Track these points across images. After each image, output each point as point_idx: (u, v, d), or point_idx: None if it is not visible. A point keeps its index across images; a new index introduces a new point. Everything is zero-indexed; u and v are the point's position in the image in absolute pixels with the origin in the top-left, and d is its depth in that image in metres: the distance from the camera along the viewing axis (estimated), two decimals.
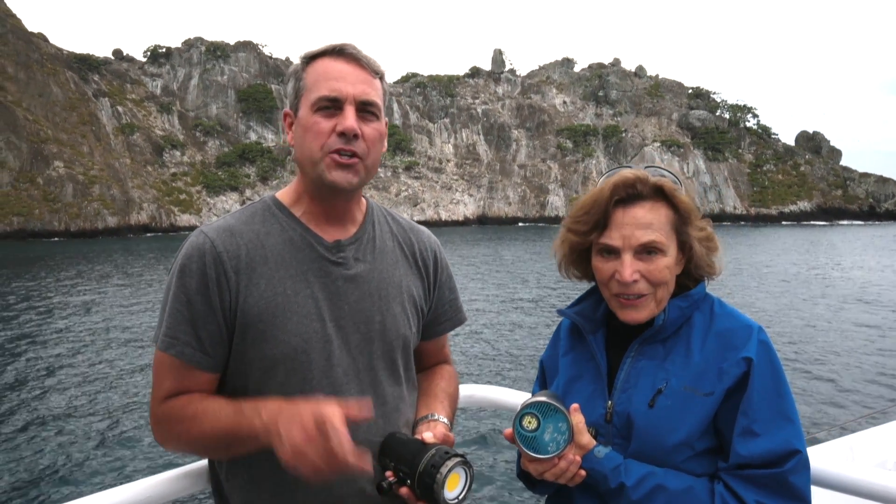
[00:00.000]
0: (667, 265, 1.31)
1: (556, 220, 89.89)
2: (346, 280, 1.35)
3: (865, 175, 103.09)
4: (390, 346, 1.39)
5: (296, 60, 1.38)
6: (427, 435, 1.31)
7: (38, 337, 16.15)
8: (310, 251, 1.34)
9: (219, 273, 1.26)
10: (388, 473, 1.29)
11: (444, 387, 1.55)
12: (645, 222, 1.31)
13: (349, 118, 1.29)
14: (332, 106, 1.29)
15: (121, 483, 1.38)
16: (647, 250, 1.31)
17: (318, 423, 1.11)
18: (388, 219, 1.50)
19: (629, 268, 1.30)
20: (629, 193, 1.32)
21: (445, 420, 1.45)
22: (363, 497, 1.33)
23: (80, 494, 1.33)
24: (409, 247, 1.49)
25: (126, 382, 12.02)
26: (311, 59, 1.34)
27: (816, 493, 1.26)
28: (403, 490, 1.25)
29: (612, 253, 1.32)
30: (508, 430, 1.29)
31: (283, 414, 1.16)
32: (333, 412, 1.12)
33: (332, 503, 1.31)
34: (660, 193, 1.33)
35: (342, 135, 1.29)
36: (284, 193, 1.42)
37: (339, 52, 1.32)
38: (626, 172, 1.34)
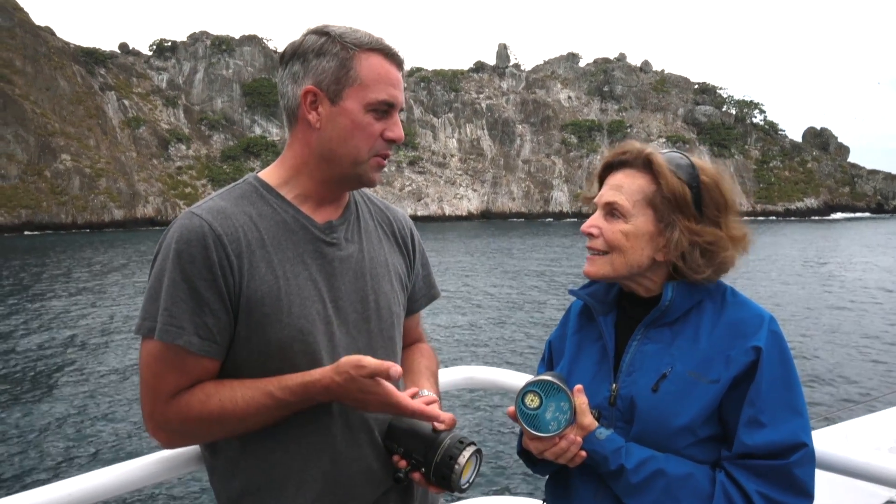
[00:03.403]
0: (622, 230, 1.32)
1: (561, 215, 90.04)
2: (340, 261, 1.34)
3: (874, 172, 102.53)
4: (386, 323, 1.40)
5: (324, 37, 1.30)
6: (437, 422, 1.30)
7: (46, 322, 16.38)
8: (304, 233, 1.32)
9: (220, 256, 1.21)
10: (396, 458, 1.30)
11: (427, 364, 1.56)
12: (616, 184, 1.35)
13: (400, 128, 1.33)
14: (385, 110, 1.29)
15: (110, 464, 1.36)
16: (610, 211, 1.35)
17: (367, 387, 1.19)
18: (365, 199, 1.51)
19: (589, 220, 1.37)
20: (619, 160, 1.38)
21: (436, 397, 1.44)
22: (370, 475, 1.33)
23: (71, 475, 1.32)
24: (387, 225, 1.51)
25: (122, 367, 12.21)
26: (361, 48, 1.28)
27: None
28: (416, 476, 1.27)
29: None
30: (511, 408, 1.30)
31: (339, 388, 1.19)
32: (366, 367, 1.17)
33: (342, 481, 1.30)
34: (647, 166, 1.34)
35: (391, 141, 1.31)
36: (270, 174, 1.37)
37: (393, 55, 1.31)
38: (628, 142, 1.40)
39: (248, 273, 1.23)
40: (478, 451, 1.26)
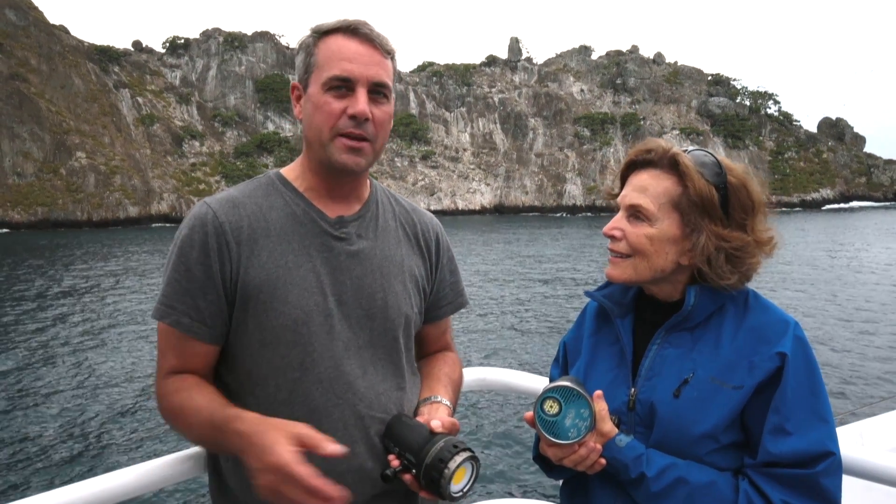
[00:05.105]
0: (646, 234, 1.28)
1: (574, 209, 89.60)
2: (348, 256, 1.35)
3: (890, 162, 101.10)
4: (392, 323, 1.38)
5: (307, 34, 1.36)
6: (434, 423, 1.27)
7: (58, 320, 16.58)
8: (312, 226, 1.33)
9: (220, 243, 1.26)
10: (391, 458, 1.28)
11: (448, 371, 1.53)
12: (641, 186, 1.30)
13: (361, 102, 1.28)
14: (343, 86, 1.28)
15: (118, 467, 1.35)
16: (634, 213, 1.30)
17: (282, 468, 1.08)
18: (391, 200, 1.51)
19: (612, 222, 1.33)
20: (643, 158, 1.33)
21: (448, 403, 1.42)
22: (363, 474, 1.31)
23: (81, 478, 1.30)
24: (411, 227, 1.49)
25: (134, 364, 12.32)
26: (322, 34, 1.31)
27: None
28: (407, 477, 1.24)
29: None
30: (529, 414, 1.27)
31: (253, 449, 1.13)
32: (292, 459, 1.08)
33: (331, 479, 1.24)
34: (673, 166, 1.29)
35: (353, 118, 1.28)
36: (289, 169, 1.42)
37: (353, 30, 1.30)
38: (653, 140, 1.35)
39: (246, 260, 1.27)
40: (473, 459, 1.20)
